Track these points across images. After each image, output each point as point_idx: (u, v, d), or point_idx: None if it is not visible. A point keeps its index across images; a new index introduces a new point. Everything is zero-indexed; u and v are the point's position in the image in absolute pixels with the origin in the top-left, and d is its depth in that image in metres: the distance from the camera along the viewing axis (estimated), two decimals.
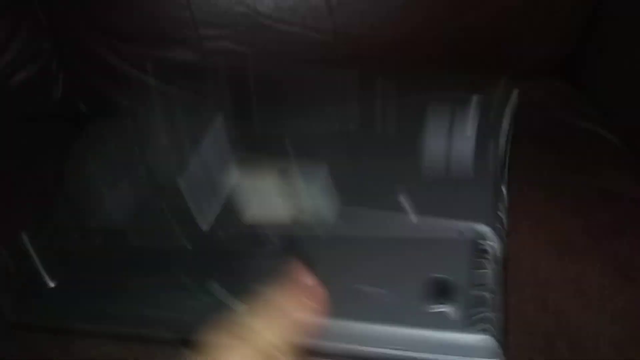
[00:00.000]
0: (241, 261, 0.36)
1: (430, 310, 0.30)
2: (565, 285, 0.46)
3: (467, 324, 0.29)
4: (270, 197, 0.41)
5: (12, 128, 0.61)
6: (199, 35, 0.64)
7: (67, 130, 0.65)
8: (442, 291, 0.30)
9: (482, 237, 0.33)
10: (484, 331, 0.29)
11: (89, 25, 0.65)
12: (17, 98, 0.62)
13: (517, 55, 0.69)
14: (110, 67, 0.66)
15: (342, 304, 0.29)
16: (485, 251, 0.32)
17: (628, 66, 0.63)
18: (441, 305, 0.30)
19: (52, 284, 0.39)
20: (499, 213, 0.35)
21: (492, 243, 0.33)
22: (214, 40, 0.64)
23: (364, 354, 0.31)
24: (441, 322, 0.29)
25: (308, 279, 0.29)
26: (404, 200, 0.36)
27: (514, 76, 0.68)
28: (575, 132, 0.63)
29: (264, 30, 0.64)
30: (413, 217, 0.35)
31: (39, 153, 0.61)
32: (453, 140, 0.40)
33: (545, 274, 0.46)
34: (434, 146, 0.39)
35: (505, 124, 0.42)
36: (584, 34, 0.68)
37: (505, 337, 0.29)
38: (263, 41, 0.64)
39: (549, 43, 0.69)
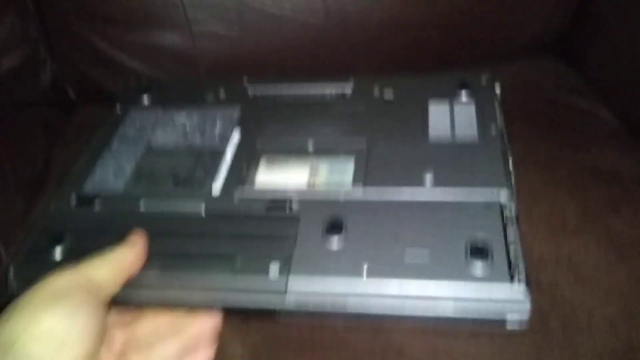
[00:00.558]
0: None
1: (472, 265, 0.35)
2: (560, 262, 0.45)
3: (505, 275, 0.35)
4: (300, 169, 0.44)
5: (0, 115, 0.60)
6: (187, 19, 0.63)
7: (57, 117, 0.64)
8: (480, 248, 0.36)
9: (504, 199, 0.39)
10: (519, 281, 0.34)
11: (77, 9, 0.64)
12: (5, 84, 0.62)
13: (510, 33, 0.68)
14: (100, 52, 0.65)
15: (393, 263, 0.36)
16: (506, 212, 0.38)
17: (624, 44, 0.63)
18: (480, 260, 0.35)
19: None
20: (511, 180, 0.41)
21: (511, 204, 0.39)
22: (203, 24, 0.63)
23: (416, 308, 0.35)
24: (482, 275, 0.35)
25: None
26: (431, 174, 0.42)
27: (507, 55, 0.68)
28: (570, 110, 0.62)
29: (254, 13, 0.63)
30: (443, 188, 0.41)
31: (28, 139, 0.60)
32: (458, 125, 0.46)
33: (539, 252, 0.46)
34: (442, 129, 0.46)
35: (497, 109, 0.47)
36: (579, 10, 0.67)
37: None
38: (253, 24, 0.63)
39: (543, 20, 0.68)
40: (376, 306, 0.36)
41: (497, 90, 0.50)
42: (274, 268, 0.37)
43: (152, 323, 0.38)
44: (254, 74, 0.56)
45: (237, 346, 0.41)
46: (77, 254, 0.37)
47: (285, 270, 0.37)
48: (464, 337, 0.36)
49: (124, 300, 0.38)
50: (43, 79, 0.66)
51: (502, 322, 0.34)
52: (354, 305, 0.36)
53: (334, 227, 0.39)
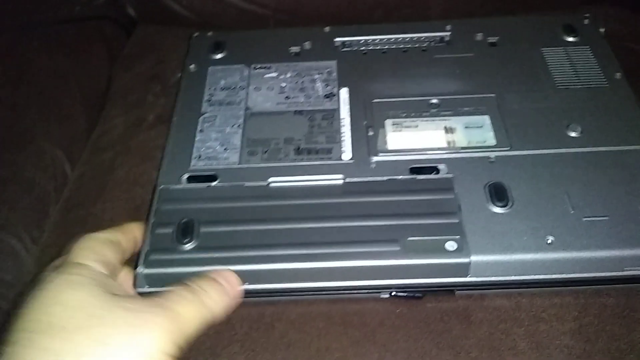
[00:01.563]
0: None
1: None
2: None
3: None
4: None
5: (59, 28, 0.53)
6: None
7: (117, 33, 0.57)
8: None
9: None
10: None
11: None
12: None
13: None
14: None
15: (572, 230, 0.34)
16: None
17: None
18: None
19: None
20: None
21: None
22: None
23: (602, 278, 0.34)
24: None
25: None
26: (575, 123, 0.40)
27: (570, 3, 0.64)
28: None
29: None
30: (591, 137, 0.39)
31: (91, 55, 0.53)
32: (580, 70, 0.44)
33: None
34: (566, 75, 0.43)
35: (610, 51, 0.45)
36: None
37: None
38: None
39: None
40: (561, 270, 0.34)
41: (602, 31, 0.47)
42: (451, 242, 0.34)
43: None
44: (321, 22, 0.50)
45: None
46: (210, 240, 0.34)
47: (463, 242, 0.33)
48: (547, 295, 0.35)
49: (272, 293, 0.34)
50: None
51: None
52: (538, 271, 0.34)
53: (499, 191, 0.36)
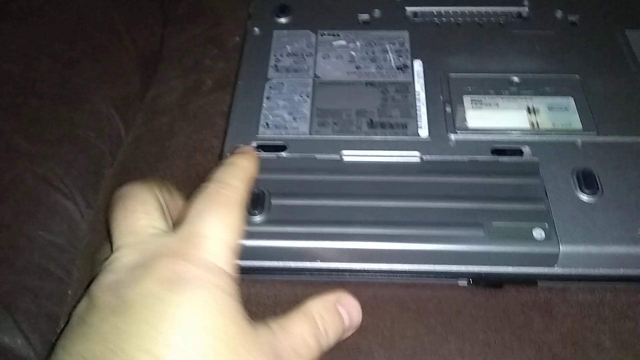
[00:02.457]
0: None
1: None
2: None
3: None
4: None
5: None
6: None
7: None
8: None
9: None
10: None
11: None
12: None
13: None
14: None
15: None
16: None
17: None
18: None
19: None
20: None
21: None
22: None
23: None
24: None
25: None
26: None
27: None
28: None
29: None
30: None
31: (144, 14, 0.51)
32: None
33: None
34: None
35: None
36: None
37: None
38: None
39: None
40: None
41: None
42: (539, 230, 0.31)
43: None
44: None
45: None
46: (281, 214, 0.32)
47: (551, 231, 0.31)
48: (632, 291, 0.33)
49: (343, 272, 0.33)
50: None
51: None
52: (629, 265, 0.32)
53: (588, 178, 0.34)
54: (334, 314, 0.26)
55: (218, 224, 0.24)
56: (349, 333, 0.28)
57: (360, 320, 0.28)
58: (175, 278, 0.22)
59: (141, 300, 0.21)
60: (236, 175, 0.28)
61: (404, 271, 0.33)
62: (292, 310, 0.26)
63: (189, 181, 0.38)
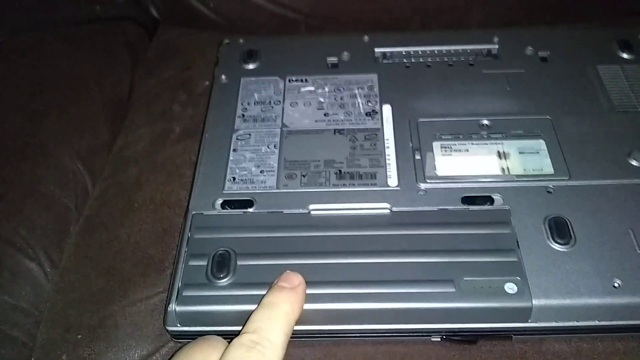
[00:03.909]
0: None
1: None
2: None
3: None
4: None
5: (80, 29, 0.50)
6: None
7: (139, 35, 0.54)
8: None
9: None
10: None
11: None
12: None
13: None
14: None
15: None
16: None
17: None
18: None
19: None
20: None
21: None
22: None
23: None
24: None
25: None
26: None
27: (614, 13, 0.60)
28: None
29: None
30: None
31: (112, 59, 0.50)
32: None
33: None
34: (624, 97, 0.40)
35: None
36: None
37: None
38: None
39: None
40: (629, 317, 0.31)
41: None
42: (511, 284, 0.31)
43: None
44: (356, 29, 0.47)
45: None
46: (247, 275, 0.31)
47: (524, 285, 0.31)
48: (609, 340, 0.32)
49: (314, 334, 0.32)
50: None
51: None
52: (604, 317, 0.31)
53: (560, 226, 0.33)
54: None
55: None
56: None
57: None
58: None
59: None
60: (278, 326, 0.28)
61: (376, 330, 0.32)
62: None
63: (155, 237, 0.37)
